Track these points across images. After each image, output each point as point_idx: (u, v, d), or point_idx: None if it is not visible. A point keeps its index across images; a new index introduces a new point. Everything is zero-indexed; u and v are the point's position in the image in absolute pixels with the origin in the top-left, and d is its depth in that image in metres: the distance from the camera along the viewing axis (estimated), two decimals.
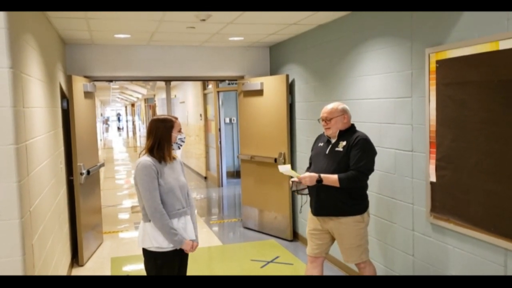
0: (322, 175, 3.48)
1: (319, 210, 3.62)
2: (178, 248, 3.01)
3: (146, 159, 2.99)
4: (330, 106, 3.61)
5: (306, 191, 3.70)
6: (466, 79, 3.09)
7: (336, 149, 3.55)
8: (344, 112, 3.59)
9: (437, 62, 3.34)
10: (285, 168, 3.69)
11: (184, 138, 3.17)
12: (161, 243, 2.97)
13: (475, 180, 3.06)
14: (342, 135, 3.57)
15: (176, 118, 3.15)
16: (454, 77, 3.19)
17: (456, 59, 3.16)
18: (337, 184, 3.42)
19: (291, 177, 3.65)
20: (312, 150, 3.87)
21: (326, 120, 3.58)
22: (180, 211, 3.07)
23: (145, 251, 3.05)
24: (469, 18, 3.06)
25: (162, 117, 3.13)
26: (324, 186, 3.48)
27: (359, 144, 3.45)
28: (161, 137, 3.03)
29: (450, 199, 3.30)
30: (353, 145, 3.46)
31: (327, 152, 3.61)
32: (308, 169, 3.85)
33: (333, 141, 3.62)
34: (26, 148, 2.97)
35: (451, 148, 3.26)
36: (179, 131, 3.12)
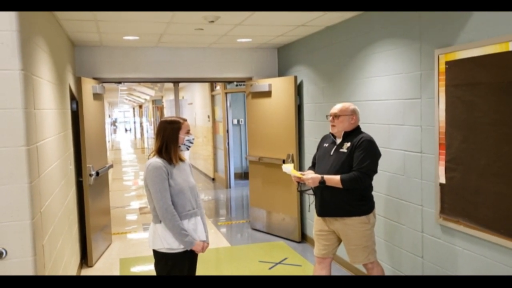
0: (325, 176, 3.50)
1: (323, 210, 3.63)
2: (188, 249, 3.02)
3: (157, 160, 3.01)
4: (341, 104, 3.64)
5: (311, 191, 3.72)
6: (475, 81, 3.08)
7: (341, 150, 3.56)
8: (353, 112, 3.60)
9: (447, 63, 3.32)
10: (287, 169, 3.72)
11: (193, 139, 3.18)
12: (171, 244, 2.99)
13: (484, 182, 3.05)
14: (347, 136, 3.58)
15: (185, 120, 3.17)
16: (464, 79, 3.18)
17: (466, 60, 3.14)
18: (339, 185, 3.43)
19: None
20: (317, 150, 3.88)
21: (335, 116, 3.60)
22: (191, 212, 3.08)
23: (155, 253, 3.07)
24: (478, 19, 3.05)
25: (170, 119, 3.15)
26: (328, 187, 3.49)
27: (363, 145, 3.46)
28: (168, 139, 3.05)
29: (459, 201, 3.29)
30: (357, 146, 3.47)
31: (331, 153, 3.62)
32: (311, 169, 3.86)
33: (338, 141, 3.63)
34: (37, 149, 3.00)
35: (460, 150, 3.25)
36: (187, 132, 3.14)
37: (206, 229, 3.22)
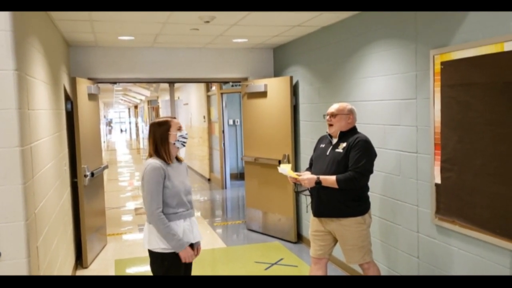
0: (321, 177, 3.50)
1: (319, 211, 3.64)
2: (177, 252, 3.00)
3: (156, 161, 3.01)
4: (338, 104, 3.66)
5: (308, 192, 3.73)
6: (471, 81, 3.08)
7: (337, 150, 3.57)
8: (350, 112, 3.62)
9: (442, 63, 3.33)
10: (284, 170, 3.72)
11: (186, 134, 3.15)
12: (167, 244, 2.98)
13: (480, 182, 3.05)
14: (343, 136, 3.59)
15: (173, 118, 3.17)
16: (459, 79, 3.19)
17: (461, 60, 3.15)
18: (335, 185, 3.44)
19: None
20: (314, 151, 3.88)
21: (332, 115, 3.61)
22: (185, 213, 3.08)
23: (151, 253, 3.05)
24: (473, 19, 3.05)
25: (158, 120, 3.15)
26: (324, 187, 3.50)
27: (358, 145, 3.47)
28: (158, 141, 3.06)
29: (455, 201, 3.29)
30: (353, 146, 3.48)
31: (327, 152, 3.63)
32: (308, 170, 3.86)
33: (334, 142, 3.63)
34: (31, 150, 2.98)
35: (456, 150, 3.25)
36: (179, 129, 3.12)
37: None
